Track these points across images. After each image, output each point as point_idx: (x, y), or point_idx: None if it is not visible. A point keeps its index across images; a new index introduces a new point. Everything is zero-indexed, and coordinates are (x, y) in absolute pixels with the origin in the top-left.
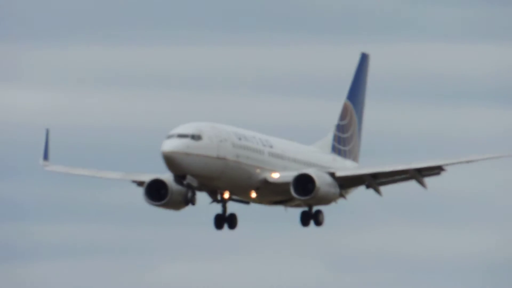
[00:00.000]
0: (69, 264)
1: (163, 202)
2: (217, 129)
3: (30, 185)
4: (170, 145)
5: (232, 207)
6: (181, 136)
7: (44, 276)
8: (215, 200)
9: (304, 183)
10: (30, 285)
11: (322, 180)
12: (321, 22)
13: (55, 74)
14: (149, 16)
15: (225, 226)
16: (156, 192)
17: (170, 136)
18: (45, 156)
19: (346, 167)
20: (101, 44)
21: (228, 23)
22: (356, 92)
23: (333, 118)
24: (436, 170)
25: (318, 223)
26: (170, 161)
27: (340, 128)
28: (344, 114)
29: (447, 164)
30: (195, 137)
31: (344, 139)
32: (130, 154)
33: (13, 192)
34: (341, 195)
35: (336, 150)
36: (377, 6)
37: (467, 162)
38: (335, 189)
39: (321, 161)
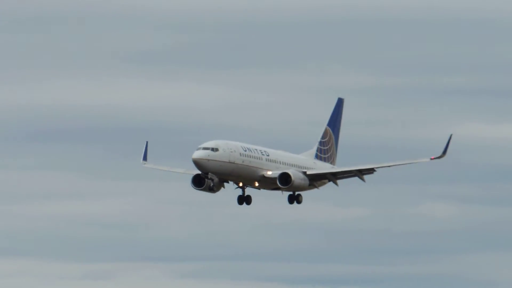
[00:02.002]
0: None
1: (201, 188)
2: (229, 144)
3: None
4: (197, 154)
5: (249, 191)
6: (205, 148)
7: None
8: (238, 187)
9: (285, 177)
10: None
11: (296, 176)
12: None
13: None
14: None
15: (244, 203)
16: (199, 181)
17: (198, 148)
18: (144, 158)
19: (323, 168)
20: None
21: None
22: (334, 122)
23: (317, 136)
24: (370, 171)
25: (299, 202)
26: (197, 164)
27: (322, 143)
28: (325, 135)
29: (377, 167)
30: (214, 149)
31: (324, 150)
32: None
33: None
34: (314, 186)
35: (318, 157)
36: None
37: (389, 166)
38: (305, 182)
39: (305, 163)
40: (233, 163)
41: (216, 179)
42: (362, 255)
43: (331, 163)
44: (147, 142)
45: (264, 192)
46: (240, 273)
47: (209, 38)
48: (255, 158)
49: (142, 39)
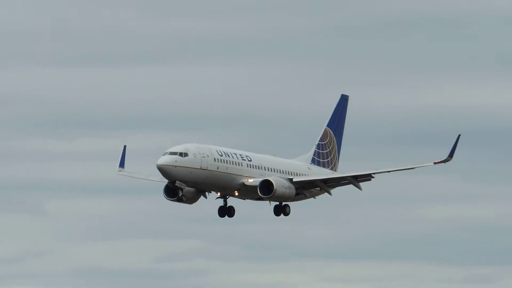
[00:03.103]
0: None
1: (174, 198)
2: (201, 148)
3: None
4: (162, 160)
5: (232, 201)
6: (172, 153)
7: None
8: (218, 197)
9: (267, 185)
10: None
11: (279, 184)
12: None
13: None
14: None
15: (226, 216)
16: (172, 191)
17: (164, 153)
18: (121, 165)
19: (318, 174)
20: None
21: None
22: (334, 122)
23: (315, 139)
24: (367, 177)
25: (286, 214)
26: (162, 171)
27: (320, 146)
28: (324, 136)
29: (374, 173)
30: (183, 154)
31: (323, 154)
32: None
33: None
34: (305, 195)
35: (315, 162)
36: None
37: (388, 172)
38: (291, 190)
39: (297, 169)
40: (206, 169)
41: (186, 189)
42: None
43: (331, 168)
44: (125, 146)
45: (246, 202)
46: None
47: None
48: (233, 163)
49: None
